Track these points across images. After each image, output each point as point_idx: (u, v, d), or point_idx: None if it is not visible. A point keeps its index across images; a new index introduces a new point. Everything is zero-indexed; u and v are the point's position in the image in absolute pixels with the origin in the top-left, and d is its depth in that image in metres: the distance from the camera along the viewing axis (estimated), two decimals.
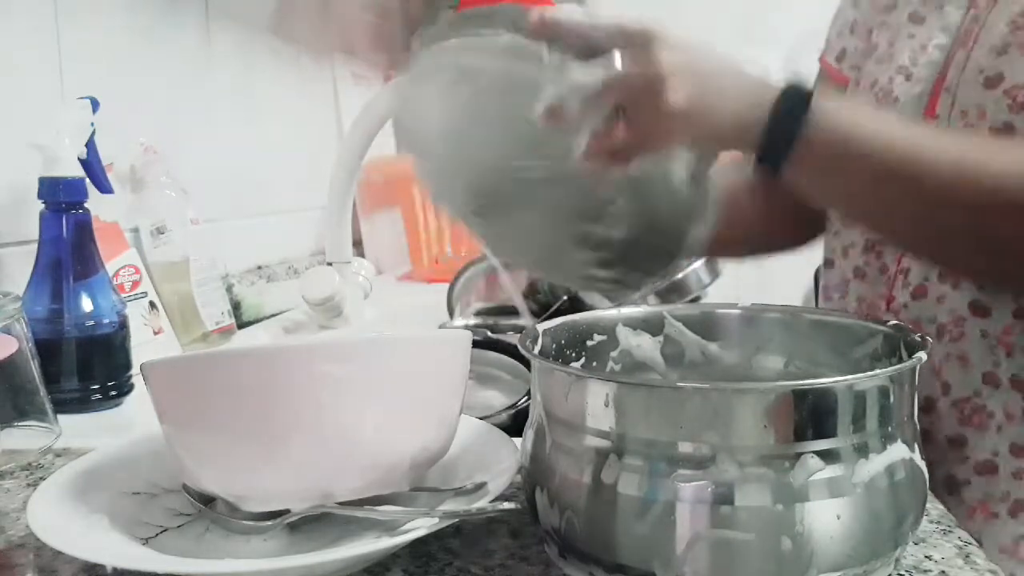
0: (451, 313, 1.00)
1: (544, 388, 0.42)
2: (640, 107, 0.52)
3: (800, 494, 0.35)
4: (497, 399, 0.71)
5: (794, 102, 0.55)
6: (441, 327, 0.95)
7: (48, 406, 0.62)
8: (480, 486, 0.44)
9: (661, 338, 0.52)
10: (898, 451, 0.38)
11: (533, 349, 0.44)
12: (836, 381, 0.36)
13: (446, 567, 0.42)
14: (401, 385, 0.43)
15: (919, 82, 0.69)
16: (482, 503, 0.42)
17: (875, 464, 0.37)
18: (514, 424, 0.62)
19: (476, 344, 0.64)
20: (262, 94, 1.17)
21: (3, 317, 0.59)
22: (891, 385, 0.38)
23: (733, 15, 2.10)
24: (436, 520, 0.40)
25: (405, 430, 0.43)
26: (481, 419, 0.56)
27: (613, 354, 0.51)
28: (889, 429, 0.38)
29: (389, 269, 1.45)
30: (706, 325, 0.52)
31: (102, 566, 0.40)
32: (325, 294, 0.95)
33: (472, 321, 0.96)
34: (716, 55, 0.57)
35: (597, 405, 0.38)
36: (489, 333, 0.79)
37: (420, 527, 0.40)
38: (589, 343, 0.51)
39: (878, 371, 0.38)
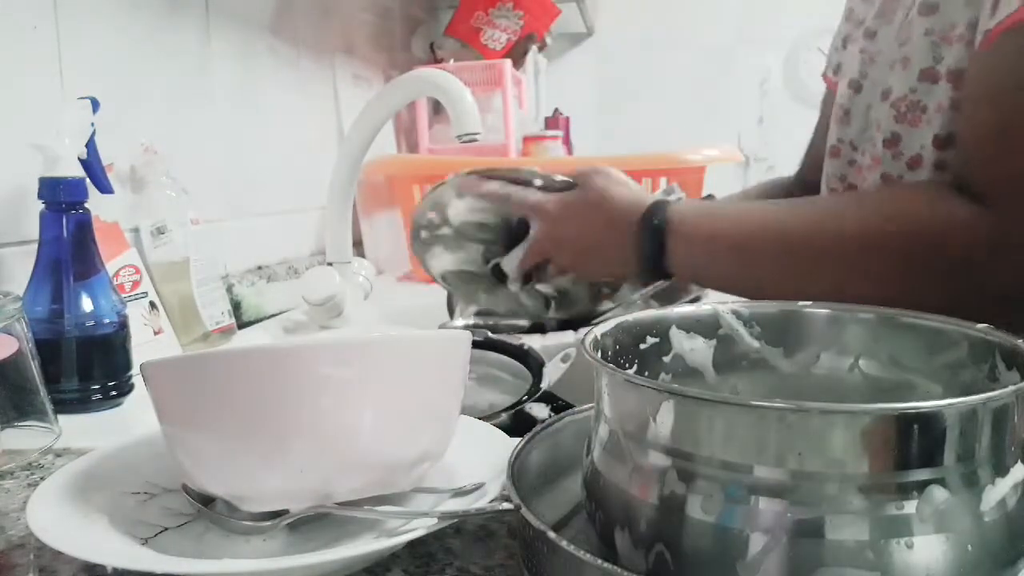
0: (451, 313, 1.00)
1: (608, 397, 0.39)
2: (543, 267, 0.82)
3: (905, 527, 0.31)
4: (497, 399, 0.71)
5: (653, 230, 0.71)
6: (441, 327, 0.95)
7: (48, 406, 0.62)
8: (480, 486, 0.44)
9: (714, 341, 0.48)
10: (1019, 473, 0.34)
11: (596, 354, 0.40)
12: (950, 404, 0.32)
13: (446, 567, 0.42)
14: (401, 385, 0.43)
15: (866, 95, 0.75)
16: (482, 503, 0.42)
17: (995, 493, 0.33)
18: (514, 424, 0.62)
19: (476, 344, 0.65)
20: (262, 94, 1.17)
21: (3, 317, 0.59)
22: (1014, 404, 0.33)
23: (733, 15, 2.10)
24: (436, 520, 0.40)
25: (405, 430, 0.43)
26: (481, 419, 0.56)
27: (666, 359, 0.47)
28: (1007, 452, 0.34)
29: (389, 269, 1.45)
30: (768, 325, 0.48)
31: (102, 566, 0.40)
32: (325, 294, 0.95)
33: (472, 321, 0.96)
34: (593, 217, 0.76)
35: (665, 420, 0.34)
36: (489, 333, 0.79)
37: (420, 527, 0.40)
38: (642, 346, 0.47)
39: (999, 391, 0.33)
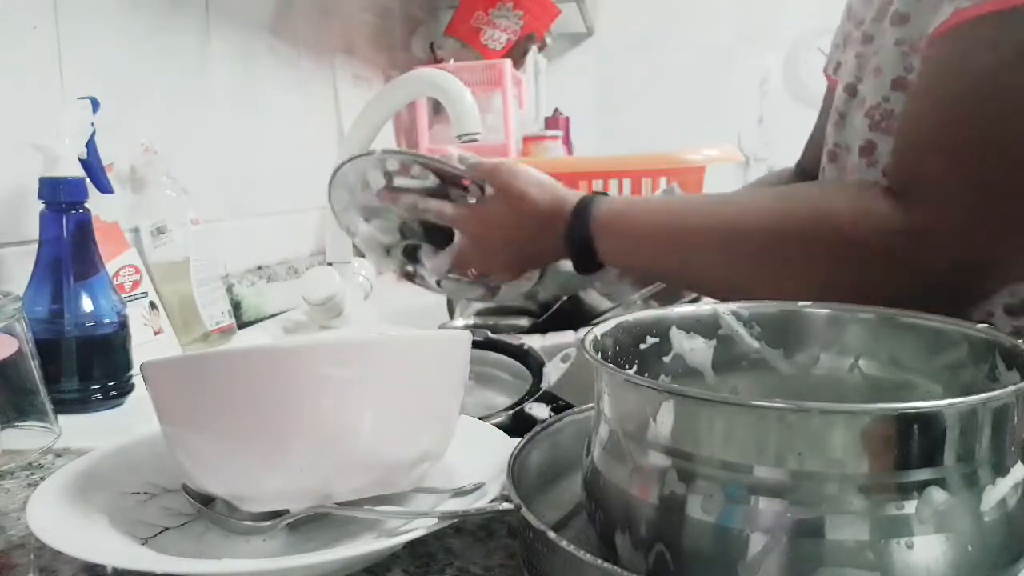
0: (451, 313, 1.00)
1: (608, 397, 0.39)
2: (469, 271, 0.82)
3: (905, 527, 0.31)
4: (497, 399, 0.71)
5: (580, 225, 0.73)
6: (441, 327, 0.95)
7: (48, 406, 0.62)
8: (480, 486, 0.44)
9: (714, 341, 0.48)
10: (1019, 473, 0.34)
11: (596, 355, 0.40)
12: (952, 404, 0.32)
13: (446, 567, 0.42)
14: (401, 385, 0.43)
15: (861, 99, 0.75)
16: (482, 503, 0.42)
17: (995, 493, 0.33)
18: (514, 424, 0.62)
19: (476, 344, 0.65)
20: (262, 94, 1.17)
21: (3, 317, 0.59)
22: (1014, 404, 0.33)
23: (733, 15, 2.10)
24: (436, 520, 0.40)
25: (405, 430, 0.43)
26: (481, 419, 0.56)
27: (666, 359, 0.47)
28: (1007, 452, 0.33)
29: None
30: (768, 326, 0.48)
31: (102, 566, 0.40)
32: (325, 294, 0.95)
33: (472, 321, 0.96)
34: (517, 225, 0.77)
35: (665, 420, 0.34)
36: (489, 333, 0.79)
37: (420, 527, 0.40)
38: (642, 346, 0.47)
39: (999, 391, 0.33)
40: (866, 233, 0.60)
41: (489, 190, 0.79)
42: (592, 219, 0.73)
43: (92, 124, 0.75)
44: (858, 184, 0.68)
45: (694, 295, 0.88)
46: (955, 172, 0.58)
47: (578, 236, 0.74)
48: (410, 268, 0.90)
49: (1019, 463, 0.34)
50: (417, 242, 0.88)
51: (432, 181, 0.85)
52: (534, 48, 1.93)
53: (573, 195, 0.77)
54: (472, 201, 0.81)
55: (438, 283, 0.87)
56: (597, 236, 0.73)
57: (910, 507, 0.31)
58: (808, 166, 0.94)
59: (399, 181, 0.85)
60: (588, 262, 0.75)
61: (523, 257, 0.80)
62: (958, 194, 0.58)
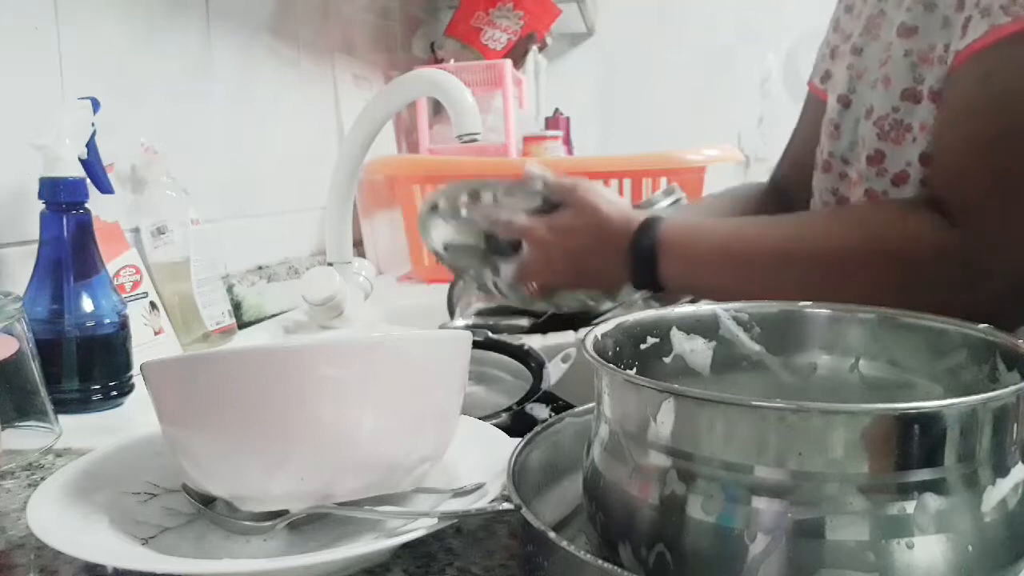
0: (451, 313, 1.00)
1: (608, 398, 0.39)
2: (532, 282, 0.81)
3: (905, 528, 0.31)
4: (497, 399, 0.71)
5: (644, 244, 0.73)
6: (441, 327, 0.95)
7: (48, 406, 0.62)
8: (480, 486, 0.44)
9: (714, 341, 0.48)
10: (1019, 473, 0.34)
11: (597, 355, 0.40)
12: (952, 404, 0.32)
13: (446, 567, 0.42)
14: (401, 385, 0.43)
15: (855, 109, 0.76)
16: (482, 503, 0.42)
17: (995, 493, 0.33)
18: (514, 424, 0.62)
19: (476, 344, 0.65)
20: (262, 94, 1.17)
21: (4, 317, 0.59)
22: (1015, 404, 0.33)
23: (733, 15, 2.10)
24: (436, 520, 0.40)
25: (405, 430, 0.43)
26: (481, 419, 0.56)
27: (666, 359, 0.47)
28: (1007, 452, 0.33)
29: (390, 269, 1.45)
30: (769, 326, 0.48)
31: (102, 566, 0.40)
32: (326, 294, 0.95)
33: (472, 321, 0.96)
34: (585, 239, 0.76)
35: (665, 420, 0.34)
36: (489, 333, 0.79)
37: (420, 527, 0.40)
38: (642, 347, 0.47)
39: (999, 392, 0.33)
40: (920, 256, 0.62)
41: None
42: (657, 238, 0.72)
43: (92, 124, 0.75)
44: (903, 204, 0.68)
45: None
46: (1001, 190, 0.59)
47: (640, 255, 0.73)
48: (490, 282, 0.88)
49: (1019, 463, 0.34)
50: (496, 254, 0.86)
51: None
52: (534, 48, 1.93)
53: (641, 214, 0.76)
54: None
55: (502, 293, 0.87)
56: (660, 255, 0.72)
57: (910, 507, 0.31)
58: (784, 180, 0.95)
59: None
60: (648, 281, 0.74)
61: (585, 271, 0.78)
62: (1003, 211, 0.59)
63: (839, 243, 0.66)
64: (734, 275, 0.71)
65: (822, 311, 0.47)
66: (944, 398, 0.38)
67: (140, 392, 0.69)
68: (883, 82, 0.69)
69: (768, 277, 0.69)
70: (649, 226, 0.74)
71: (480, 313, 0.98)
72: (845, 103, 0.77)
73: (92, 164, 0.75)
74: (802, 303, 0.48)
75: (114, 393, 0.71)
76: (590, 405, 0.44)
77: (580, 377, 0.68)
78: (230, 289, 1.03)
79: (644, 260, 0.73)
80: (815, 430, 0.31)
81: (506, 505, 0.40)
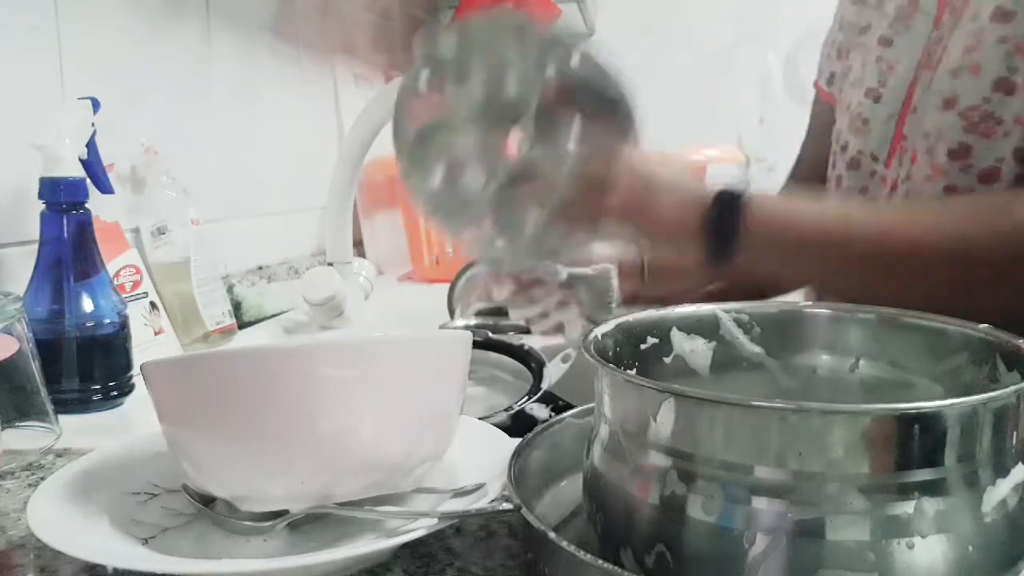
0: (451, 313, 1.00)
1: (608, 398, 0.38)
2: (587, 199, 0.64)
3: (905, 528, 0.31)
4: (497, 399, 0.71)
5: (729, 201, 0.62)
6: (441, 327, 0.95)
7: (49, 406, 0.62)
8: (480, 486, 0.44)
9: (714, 342, 0.47)
10: (1020, 473, 0.34)
11: (597, 355, 0.40)
12: (953, 404, 0.32)
13: (446, 567, 0.42)
14: (401, 385, 0.43)
15: (887, 104, 0.72)
16: (482, 503, 0.42)
17: (995, 493, 0.32)
18: (514, 424, 0.62)
19: (476, 344, 0.64)
20: (262, 94, 1.17)
21: (4, 317, 0.59)
22: (1015, 404, 0.33)
23: (733, 15, 2.10)
24: (436, 520, 0.40)
25: (405, 431, 0.43)
26: (481, 419, 0.56)
27: (666, 359, 0.47)
28: (1008, 452, 0.33)
29: (390, 269, 1.45)
30: (769, 326, 0.47)
31: (102, 566, 0.40)
32: (326, 294, 0.95)
33: (472, 321, 0.96)
34: (662, 171, 0.65)
35: (665, 421, 0.34)
36: (489, 333, 0.79)
37: (420, 527, 0.40)
38: (642, 347, 0.46)
39: (999, 392, 0.33)
40: None
41: None
42: (745, 212, 0.61)
43: (92, 124, 0.75)
44: None
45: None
46: None
47: (720, 227, 0.62)
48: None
49: (1020, 464, 0.34)
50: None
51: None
52: None
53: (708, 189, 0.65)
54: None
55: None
56: (748, 232, 0.61)
57: (910, 508, 0.31)
58: (801, 184, 0.90)
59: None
60: (722, 255, 0.62)
61: (666, 196, 0.64)
62: None
63: (962, 237, 0.59)
64: (839, 262, 0.63)
65: (822, 311, 0.47)
66: (944, 398, 0.38)
67: (140, 392, 0.69)
68: (971, 70, 0.65)
69: (883, 268, 0.61)
70: (733, 197, 0.63)
71: (480, 313, 0.98)
72: (875, 97, 0.74)
73: (92, 164, 0.75)
74: (801, 303, 0.48)
75: (114, 393, 0.71)
76: (590, 405, 0.44)
77: (580, 377, 0.68)
78: (230, 289, 1.03)
79: (723, 234, 0.62)
80: (815, 430, 0.31)
81: (506, 505, 0.40)
